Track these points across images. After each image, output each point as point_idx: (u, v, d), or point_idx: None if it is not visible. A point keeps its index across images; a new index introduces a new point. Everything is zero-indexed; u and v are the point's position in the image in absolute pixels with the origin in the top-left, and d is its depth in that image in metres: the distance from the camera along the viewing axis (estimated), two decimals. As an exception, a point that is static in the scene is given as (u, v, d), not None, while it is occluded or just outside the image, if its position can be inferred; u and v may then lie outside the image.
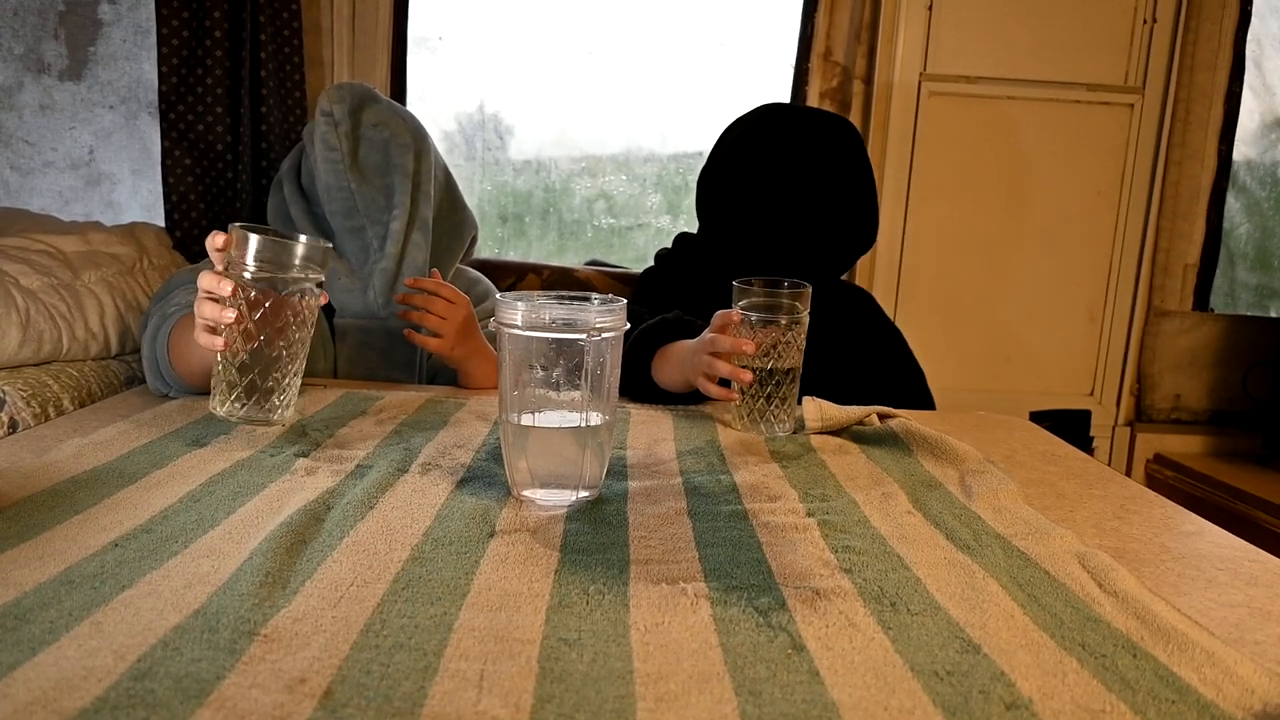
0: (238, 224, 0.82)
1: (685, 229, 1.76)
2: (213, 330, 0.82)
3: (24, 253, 1.25)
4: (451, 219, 1.34)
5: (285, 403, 0.86)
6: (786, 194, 1.22)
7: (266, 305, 0.81)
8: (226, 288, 0.80)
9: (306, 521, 0.63)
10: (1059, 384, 2.05)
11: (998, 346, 2.03)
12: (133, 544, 0.58)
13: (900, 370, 1.32)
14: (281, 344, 0.83)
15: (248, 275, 0.81)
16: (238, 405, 0.83)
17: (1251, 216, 2.16)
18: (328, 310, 1.26)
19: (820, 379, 1.06)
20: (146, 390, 1.06)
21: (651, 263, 1.44)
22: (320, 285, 0.86)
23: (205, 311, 0.81)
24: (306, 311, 0.84)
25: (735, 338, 0.96)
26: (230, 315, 0.80)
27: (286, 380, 0.85)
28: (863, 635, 0.51)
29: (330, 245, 0.87)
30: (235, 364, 0.82)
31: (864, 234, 1.28)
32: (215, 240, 0.83)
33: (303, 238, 0.83)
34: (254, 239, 0.80)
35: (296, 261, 0.82)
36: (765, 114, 1.29)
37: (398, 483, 0.74)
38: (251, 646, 0.46)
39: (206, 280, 0.82)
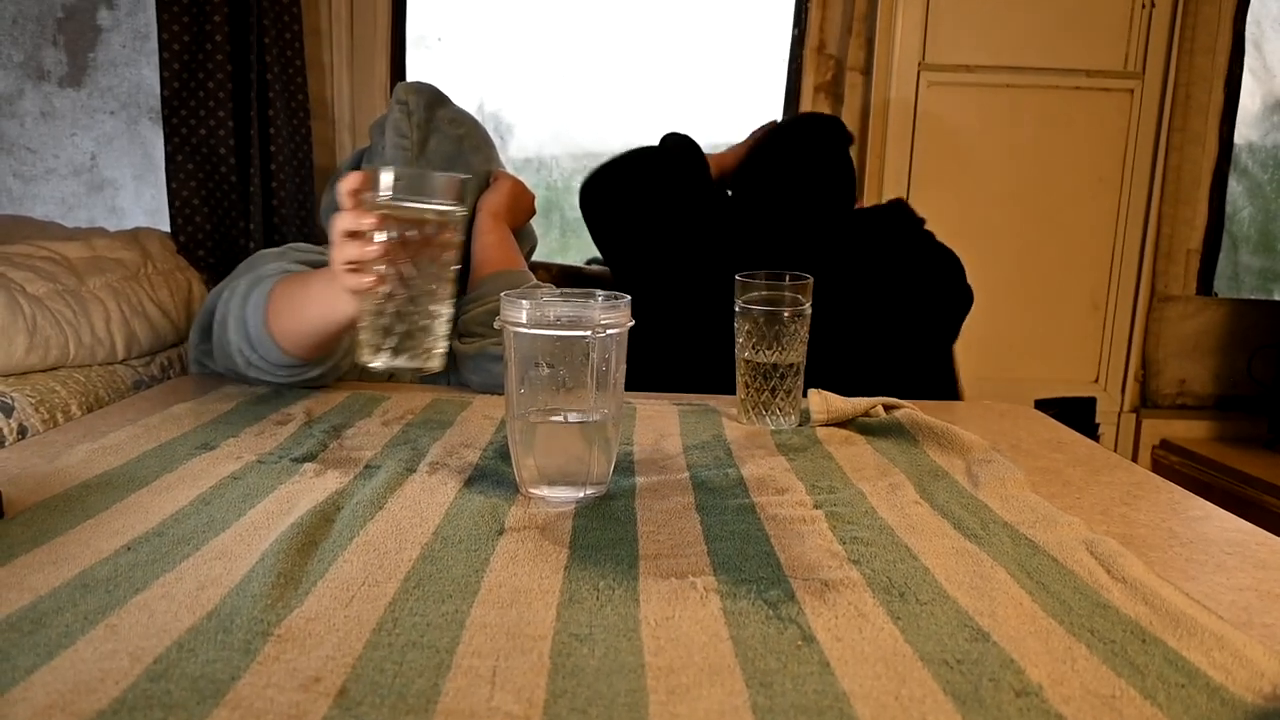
0: (372, 164, 0.77)
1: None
2: (357, 271, 0.77)
3: (29, 260, 1.25)
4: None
5: (437, 342, 0.80)
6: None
7: (408, 238, 0.76)
8: (369, 220, 0.76)
9: (317, 522, 0.64)
10: (1064, 371, 2.05)
11: (1001, 335, 2.02)
12: (145, 547, 0.59)
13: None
14: (428, 279, 0.78)
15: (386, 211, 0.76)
16: (390, 351, 0.78)
17: (1254, 200, 2.16)
18: None
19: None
20: (154, 394, 1.05)
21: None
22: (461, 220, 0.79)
23: (348, 252, 0.77)
24: (448, 246, 0.79)
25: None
26: (374, 249, 0.75)
27: (438, 319, 0.79)
28: (872, 625, 0.51)
29: (468, 178, 0.82)
30: (385, 305, 0.77)
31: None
32: (348, 183, 0.78)
33: (439, 174, 0.79)
34: (391, 172, 0.76)
35: (436, 194, 0.77)
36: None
37: (406, 482, 0.74)
38: (266, 646, 0.46)
39: (345, 220, 0.77)
